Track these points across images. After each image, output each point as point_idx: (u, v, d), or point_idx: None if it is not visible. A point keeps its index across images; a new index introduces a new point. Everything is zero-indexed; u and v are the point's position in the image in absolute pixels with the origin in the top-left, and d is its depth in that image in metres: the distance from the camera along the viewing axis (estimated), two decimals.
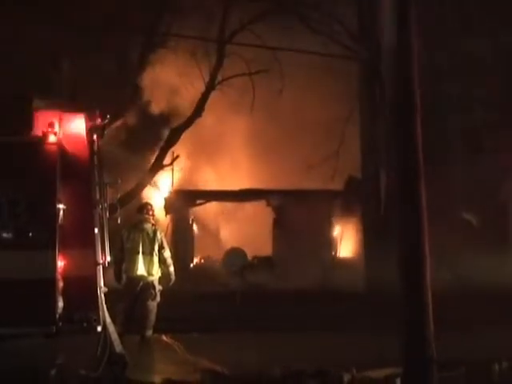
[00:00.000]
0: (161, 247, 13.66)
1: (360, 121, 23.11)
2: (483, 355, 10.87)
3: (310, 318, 16.32)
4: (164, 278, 13.73)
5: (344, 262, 25.95)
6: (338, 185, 25.41)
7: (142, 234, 13.63)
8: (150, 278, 13.54)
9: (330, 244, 26.40)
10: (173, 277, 13.76)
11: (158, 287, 13.64)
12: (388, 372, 9.98)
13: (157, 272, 13.63)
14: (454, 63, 22.97)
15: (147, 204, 14.49)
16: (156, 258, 13.60)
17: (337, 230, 27.14)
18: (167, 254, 13.73)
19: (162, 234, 13.91)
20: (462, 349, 11.49)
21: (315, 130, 25.37)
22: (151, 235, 13.65)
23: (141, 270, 13.50)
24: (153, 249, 13.58)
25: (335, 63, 22.63)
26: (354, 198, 24.28)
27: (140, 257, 13.52)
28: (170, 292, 14.27)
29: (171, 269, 13.74)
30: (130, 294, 13.47)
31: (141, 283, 13.52)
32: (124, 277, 13.59)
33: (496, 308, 16.18)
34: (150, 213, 13.95)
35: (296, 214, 24.92)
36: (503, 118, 23.42)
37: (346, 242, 27.62)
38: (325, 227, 26.02)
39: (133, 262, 13.52)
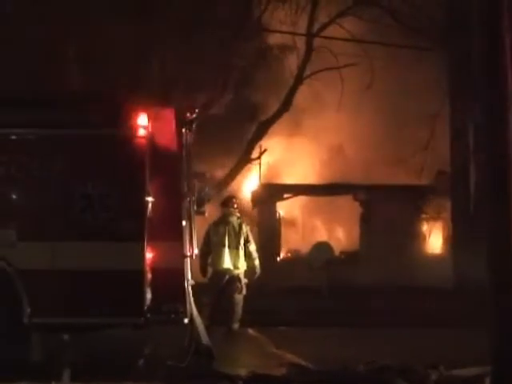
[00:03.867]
0: (246, 240, 13.69)
1: (450, 115, 22.76)
2: None
3: (396, 314, 16.19)
4: (250, 271, 13.77)
5: (432, 258, 25.60)
6: (426, 180, 25.09)
7: (227, 227, 13.69)
8: (236, 272, 13.60)
9: (418, 240, 26.08)
10: (258, 270, 13.79)
11: (244, 280, 13.69)
12: (477, 371, 9.80)
13: (242, 265, 13.67)
14: None
15: (232, 197, 14.55)
16: (242, 252, 13.65)
17: (425, 226, 26.80)
18: (253, 247, 13.76)
19: (248, 228, 13.94)
20: None
21: (404, 124, 25.09)
22: (237, 228, 13.70)
23: (227, 263, 13.56)
24: (238, 242, 13.62)
25: (425, 56, 22.37)
26: (443, 193, 23.94)
27: (226, 250, 13.58)
28: (257, 285, 14.33)
29: (257, 262, 13.76)
30: (216, 287, 13.56)
31: (226, 276, 13.59)
32: (210, 270, 13.68)
33: None
34: (235, 206, 14.00)
35: (384, 208, 24.68)
36: None
37: (434, 237, 27.25)
38: (413, 223, 25.70)
39: (219, 256, 13.59)
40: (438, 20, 22.47)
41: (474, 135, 21.55)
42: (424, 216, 26.43)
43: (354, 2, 23.00)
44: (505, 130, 8.77)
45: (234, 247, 13.62)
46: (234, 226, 13.73)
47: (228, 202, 14.03)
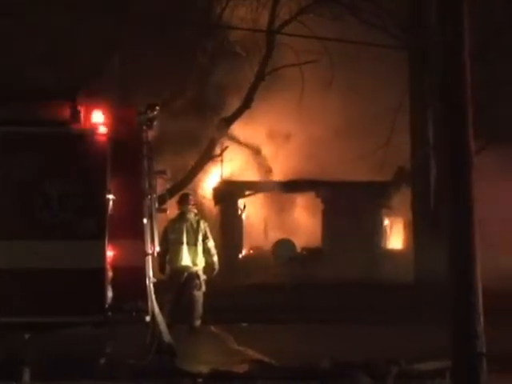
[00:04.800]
0: (205, 237, 13.73)
1: (410, 111, 22.91)
2: None
3: (358, 310, 16.27)
4: (208, 267, 13.80)
5: (393, 254, 25.80)
6: (387, 176, 25.25)
7: (185, 224, 13.71)
8: (195, 268, 13.62)
9: (379, 235, 26.25)
10: (216, 267, 13.82)
11: (203, 277, 13.71)
12: (437, 365, 9.89)
13: (201, 262, 13.69)
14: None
15: (188, 194, 14.62)
16: (200, 248, 13.67)
17: (386, 222, 26.98)
18: (211, 243, 13.80)
19: (206, 224, 13.97)
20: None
21: (365, 120, 25.22)
22: (195, 225, 13.73)
23: (185, 260, 13.58)
24: (197, 239, 13.66)
25: (385, 53, 22.47)
26: (403, 189, 24.10)
27: (184, 247, 13.60)
28: (219, 282, 14.33)
29: (215, 259, 13.81)
30: (175, 285, 13.57)
31: (185, 274, 13.60)
32: (168, 268, 13.67)
33: None
34: (192, 203, 14.03)
35: (345, 205, 24.81)
36: None
37: (395, 233, 27.45)
38: (374, 219, 25.87)
39: (177, 253, 13.60)
40: (398, 17, 22.59)
41: (433, 131, 21.71)
42: (385, 212, 26.60)
43: (314, 0, 23.03)
44: (464, 125, 8.85)
45: (193, 244, 13.65)
46: (192, 223, 13.75)
47: (184, 199, 14.06)
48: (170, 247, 13.66)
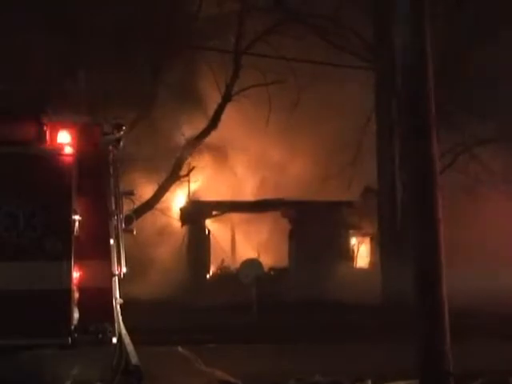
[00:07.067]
0: None
1: (377, 131, 23.05)
2: (499, 367, 10.80)
3: (325, 330, 16.28)
4: None
5: (360, 273, 25.85)
6: (354, 196, 25.34)
7: None
8: None
9: (346, 255, 26.31)
10: None
11: None
12: None
13: None
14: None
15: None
16: None
17: (353, 241, 27.04)
18: None
19: None
20: (477, 361, 11.42)
21: (332, 140, 25.33)
22: None
23: None
24: None
25: (351, 74, 22.63)
26: (370, 209, 24.19)
27: None
28: (187, 303, 14.29)
29: None
30: None
31: None
32: None
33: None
34: None
35: (312, 224, 24.84)
36: None
37: (362, 252, 27.51)
38: (341, 238, 25.93)
39: None
40: (365, 39, 22.77)
41: (399, 151, 21.86)
42: (352, 232, 26.67)
43: (281, 21, 23.15)
44: (429, 147, 8.89)
45: None
46: None
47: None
48: None
